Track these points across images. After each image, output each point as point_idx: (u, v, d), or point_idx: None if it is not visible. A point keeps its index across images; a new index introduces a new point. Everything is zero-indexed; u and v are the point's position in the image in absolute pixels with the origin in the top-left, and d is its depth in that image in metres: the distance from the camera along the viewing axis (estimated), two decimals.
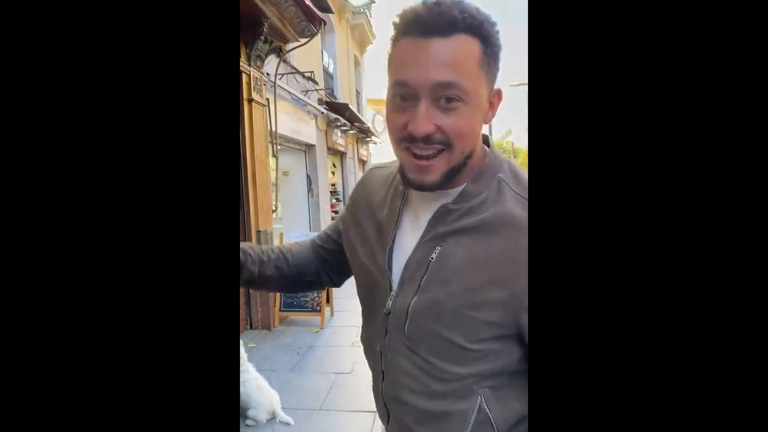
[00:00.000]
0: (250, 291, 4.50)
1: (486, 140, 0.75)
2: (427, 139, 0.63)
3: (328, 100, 8.40)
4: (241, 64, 4.23)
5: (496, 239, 0.66)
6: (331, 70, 9.54)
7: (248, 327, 4.48)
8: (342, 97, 9.93)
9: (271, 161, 5.13)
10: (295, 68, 6.51)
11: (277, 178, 5.35)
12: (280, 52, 5.23)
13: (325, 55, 9.09)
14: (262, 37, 4.41)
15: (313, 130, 7.69)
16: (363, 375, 0.78)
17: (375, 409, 0.84)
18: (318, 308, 4.52)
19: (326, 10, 5.55)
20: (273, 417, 2.70)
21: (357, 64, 12.65)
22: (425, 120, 0.61)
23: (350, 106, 8.88)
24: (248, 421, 2.65)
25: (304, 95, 6.99)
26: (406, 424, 0.74)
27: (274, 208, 5.04)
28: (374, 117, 14.53)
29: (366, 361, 0.84)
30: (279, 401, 2.75)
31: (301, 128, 6.91)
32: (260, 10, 4.07)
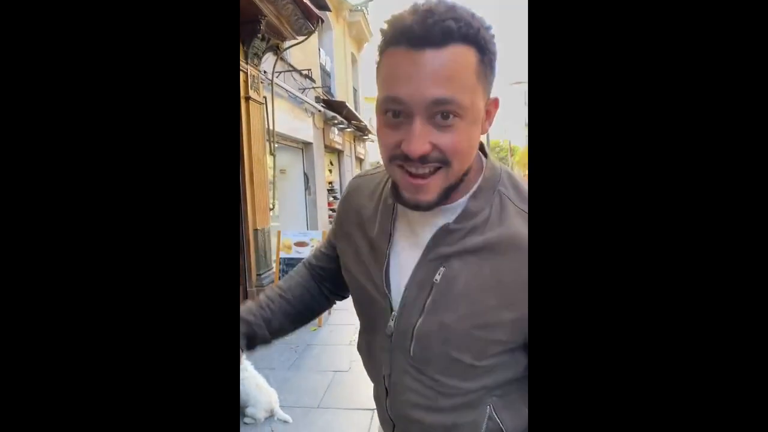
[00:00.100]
0: (247, 289, 4.50)
1: (481, 147, 0.70)
2: (423, 159, 0.58)
3: (325, 98, 8.39)
4: None
5: (504, 261, 0.64)
6: (328, 67, 9.51)
7: None
8: (339, 94, 9.91)
9: (269, 159, 5.12)
10: (292, 66, 6.49)
11: (274, 176, 5.35)
12: (277, 50, 5.22)
13: (323, 52, 9.06)
14: (260, 35, 4.40)
15: (311, 128, 7.68)
16: (361, 373, 0.79)
17: (373, 406, 0.84)
18: None
19: (324, 7, 5.54)
20: (271, 415, 2.70)
21: (354, 61, 12.62)
22: (420, 139, 0.57)
23: (347, 104, 8.87)
24: (246, 419, 2.65)
25: (302, 93, 6.98)
26: None
27: (271, 206, 5.03)
28: (371, 115, 14.51)
29: None
30: (277, 399, 2.75)
31: (298, 126, 6.89)
32: (258, 7, 4.06)
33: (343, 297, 0.96)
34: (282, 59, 5.72)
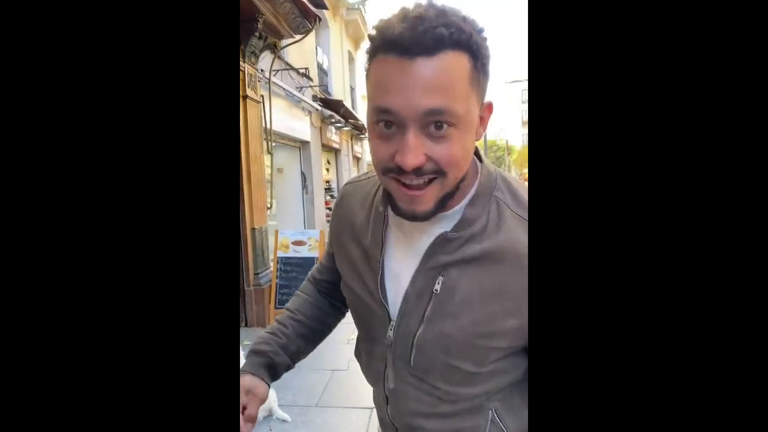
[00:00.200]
0: (245, 288, 4.50)
1: (476, 152, 0.69)
2: (418, 171, 0.57)
3: (322, 96, 8.38)
4: None
5: (504, 269, 0.63)
6: (325, 66, 9.50)
7: (243, 324, 4.47)
8: (336, 93, 9.90)
9: (266, 158, 5.11)
10: (289, 65, 6.48)
11: (271, 175, 5.34)
12: (274, 49, 5.21)
13: (320, 51, 9.05)
14: (257, 34, 4.39)
15: (308, 126, 7.66)
16: (359, 371, 0.79)
17: (371, 405, 0.84)
18: None
19: (321, 6, 5.54)
20: (270, 414, 2.70)
21: (351, 60, 12.60)
22: (414, 151, 0.55)
23: (345, 102, 8.86)
24: None
25: (299, 92, 6.97)
26: None
27: (268, 205, 5.03)
28: None
29: None
30: (275, 398, 2.75)
31: (295, 125, 6.88)
32: (255, 6, 4.05)
33: None
34: (279, 58, 5.70)
